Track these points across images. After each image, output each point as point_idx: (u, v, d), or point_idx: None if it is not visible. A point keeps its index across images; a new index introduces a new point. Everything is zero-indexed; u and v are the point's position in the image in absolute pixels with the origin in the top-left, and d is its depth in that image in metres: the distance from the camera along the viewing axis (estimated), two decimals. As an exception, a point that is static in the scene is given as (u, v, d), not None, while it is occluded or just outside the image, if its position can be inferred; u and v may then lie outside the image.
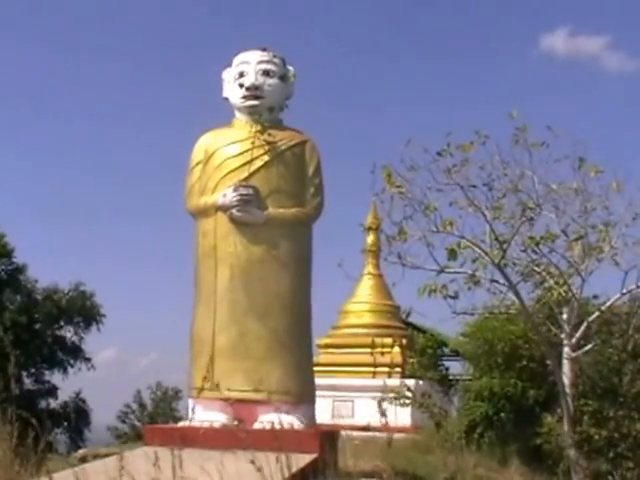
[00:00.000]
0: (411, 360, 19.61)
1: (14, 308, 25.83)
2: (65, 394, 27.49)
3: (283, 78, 10.22)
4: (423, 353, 19.46)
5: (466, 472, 10.15)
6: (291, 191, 9.83)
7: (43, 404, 26.25)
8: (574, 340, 12.37)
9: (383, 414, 5.22)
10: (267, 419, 8.80)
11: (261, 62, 10.10)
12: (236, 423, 9.13)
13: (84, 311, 27.37)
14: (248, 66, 10.10)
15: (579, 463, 12.13)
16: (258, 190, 9.54)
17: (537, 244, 11.86)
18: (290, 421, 8.73)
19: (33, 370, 26.73)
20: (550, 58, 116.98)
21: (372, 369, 21.77)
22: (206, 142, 10.14)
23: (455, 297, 11.68)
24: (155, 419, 36.24)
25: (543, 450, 14.52)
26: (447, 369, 20.34)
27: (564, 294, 12.25)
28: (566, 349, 12.42)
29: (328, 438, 9.03)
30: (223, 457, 6.02)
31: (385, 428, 5.30)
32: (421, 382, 18.88)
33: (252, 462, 5.21)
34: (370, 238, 23.53)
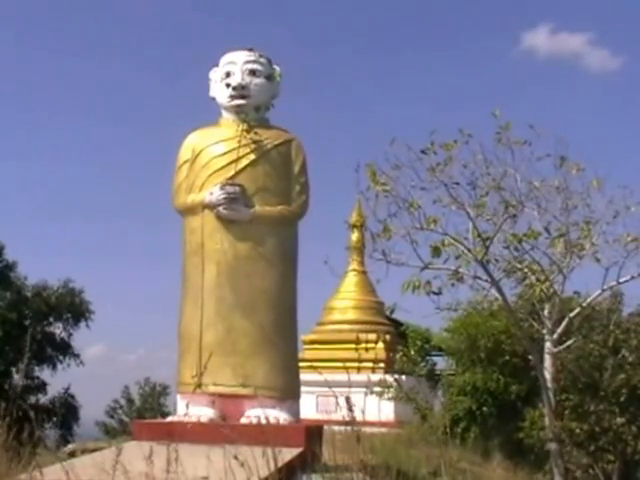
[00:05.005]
0: (400, 354, 19.70)
1: (4, 304, 25.87)
2: (54, 390, 27.60)
3: (269, 78, 10.32)
4: (412, 347, 19.60)
5: (449, 466, 10.29)
6: (277, 189, 9.93)
7: (32, 399, 26.28)
8: (556, 336, 12.56)
9: (350, 409, 5.33)
10: (253, 414, 8.91)
11: (247, 62, 10.19)
12: (222, 417, 9.26)
13: (73, 308, 27.39)
14: (235, 66, 10.20)
15: (560, 457, 12.32)
16: (244, 188, 9.64)
17: (519, 241, 12.01)
18: (276, 416, 8.89)
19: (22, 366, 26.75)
20: (532, 56, 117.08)
21: (356, 365, 21.84)
22: (193, 141, 10.22)
23: (439, 293, 11.83)
24: (143, 414, 36.17)
25: (525, 444, 14.71)
26: (434, 364, 20.52)
27: (546, 290, 12.42)
28: (548, 344, 12.60)
29: (313, 433, 9.16)
30: (210, 451, 6.13)
31: (354, 422, 5.39)
32: (404, 377, 19.00)
33: (236, 457, 5.34)
34: (355, 235, 23.58)
